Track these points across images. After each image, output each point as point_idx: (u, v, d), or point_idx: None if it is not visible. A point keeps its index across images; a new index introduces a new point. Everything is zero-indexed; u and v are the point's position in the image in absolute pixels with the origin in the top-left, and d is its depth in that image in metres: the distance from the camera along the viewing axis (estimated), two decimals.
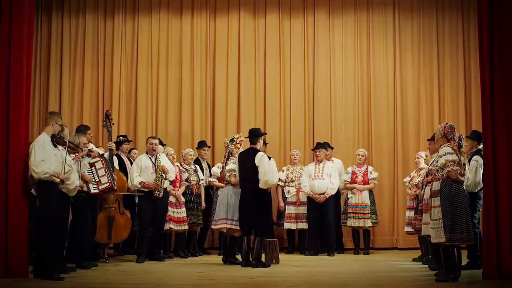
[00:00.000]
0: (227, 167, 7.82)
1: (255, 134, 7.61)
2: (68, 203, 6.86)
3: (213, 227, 8.02)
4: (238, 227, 7.56)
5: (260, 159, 7.40)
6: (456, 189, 6.12)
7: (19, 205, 6.39)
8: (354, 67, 10.34)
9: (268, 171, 7.35)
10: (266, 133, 8.28)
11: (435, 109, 10.21)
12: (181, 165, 8.71)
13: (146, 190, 8.01)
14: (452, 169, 6.11)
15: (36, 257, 6.43)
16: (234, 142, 7.89)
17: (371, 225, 8.99)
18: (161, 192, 8.01)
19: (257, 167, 7.36)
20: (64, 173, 6.46)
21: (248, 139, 7.65)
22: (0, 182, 6.34)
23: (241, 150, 7.89)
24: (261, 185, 7.36)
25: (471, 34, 10.22)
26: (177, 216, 8.37)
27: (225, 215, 7.66)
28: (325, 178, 8.85)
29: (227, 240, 7.95)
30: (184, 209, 8.46)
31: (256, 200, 7.39)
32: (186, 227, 8.47)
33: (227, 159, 7.89)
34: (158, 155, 8.16)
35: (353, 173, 9.17)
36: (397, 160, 10.11)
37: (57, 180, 6.40)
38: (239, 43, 10.40)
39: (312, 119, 10.24)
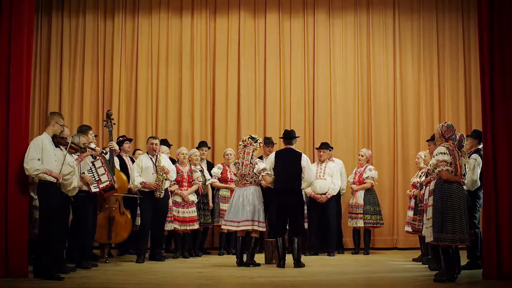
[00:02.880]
0: (259, 166, 7.51)
1: (292, 136, 7.72)
2: (69, 203, 6.86)
3: (233, 228, 7.54)
4: (260, 229, 7.49)
5: (307, 160, 7.61)
6: (448, 189, 6.11)
7: (19, 205, 6.39)
8: (354, 67, 10.34)
9: (312, 173, 7.83)
10: (299, 136, 8.26)
11: (435, 109, 10.21)
12: (191, 165, 8.69)
13: (147, 190, 8.01)
14: (442, 169, 6.12)
15: (36, 257, 6.43)
16: (259, 142, 7.70)
17: (362, 225, 8.96)
18: (162, 192, 8.01)
19: (301, 168, 7.46)
20: (65, 174, 6.47)
21: (281, 139, 7.86)
22: (0, 182, 6.35)
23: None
24: (304, 186, 7.58)
25: (471, 34, 10.22)
26: (183, 216, 8.35)
27: (252, 216, 7.42)
28: (327, 178, 8.85)
29: (239, 242, 7.50)
30: (193, 208, 8.44)
31: (300, 200, 7.63)
32: (196, 226, 8.45)
33: (252, 158, 7.61)
34: (158, 155, 8.16)
35: (355, 173, 9.20)
36: (397, 160, 10.11)
37: (50, 179, 6.37)
38: (239, 43, 10.39)
39: (312, 119, 10.24)
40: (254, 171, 7.52)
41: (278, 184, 7.48)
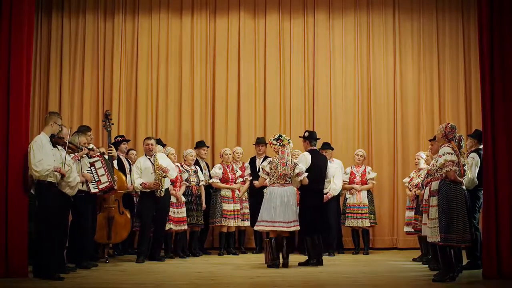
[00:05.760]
0: (302, 168, 7.53)
1: (316, 137, 8.01)
2: (69, 203, 6.86)
3: (284, 229, 7.38)
4: (294, 228, 7.50)
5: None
6: (454, 189, 6.11)
7: (19, 205, 6.39)
8: (354, 67, 10.33)
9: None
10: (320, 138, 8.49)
11: (435, 109, 10.20)
12: (181, 165, 8.71)
13: (148, 190, 8.01)
14: (451, 169, 6.11)
15: (36, 257, 6.43)
16: (291, 142, 7.73)
17: (369, 225, 8.99)
18: (162, 191, 8.00)
19: (327, 169, 7.88)
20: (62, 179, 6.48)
21: (302, 139, 7.99)
22: (0, 182, 6.35)
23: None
24: (327, 186, 8.24)
25: (471, 34, 10.22)
26: (177, 216, 8.37)
27: (297, 217, 7.47)
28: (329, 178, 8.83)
29: (273, 243, 7.43)
30: (184, 209, 8.46)
31: (323, 200, 7.99)
32: (185, 227, 8.47)
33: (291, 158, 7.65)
34: (155, 154, 8.15)
35: (351, 173, 9.18)
36: (397, 160, 10.10)
37: (59, 177, 6.39)
38: (239, 43, 10.39)
39: (312, 119, 10.24)
40: (296, 171, 7.50)
41: (312, 185, 7.59)
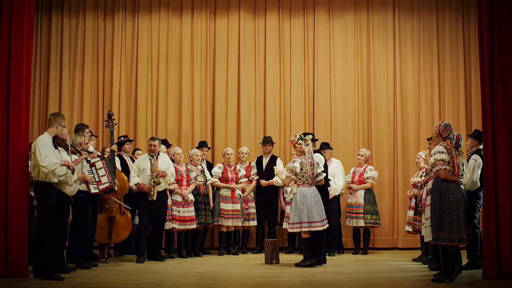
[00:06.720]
0: (322, 167, 7.67)
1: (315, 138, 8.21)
2: (69, 203, 6.86)
3: (320, 228, 7.44)
4: (327, 226, 7.54)
5: None
6: (446, 188, 6.11)
7: (19, 205, 6.40)
8: (354, 67, 10.32)
9: None
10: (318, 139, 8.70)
11: (435, 109, 10.20)
12: (187, 165, 8.69)
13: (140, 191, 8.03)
14: (440, 168, 6.11)
15: (36, 257, 6.43)
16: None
17: (363, 224, 8.95)
18: (153, 196, 7.98)
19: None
20: (61, 175, 6.47)
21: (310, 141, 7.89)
22: (0, 182, 6.35)
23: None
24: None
25: (471, 34, 10.21)
26: (183, 215, 8.35)
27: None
28: (329, 178, 8.82)
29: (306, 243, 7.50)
30: (192, 208, 8.44)
31: (327, 200, 8.00)
32: (194, 226, 8.44)
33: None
34: (157, 156, 8.12)
35: (353, 173, 9.19)
36: (397, 160, 10.10)
37: (67, 171, 6.41)
38: (239, 43, 10.38)
39: (312, 119, 10.23)
40: (318, 170, 7.57)
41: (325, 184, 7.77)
